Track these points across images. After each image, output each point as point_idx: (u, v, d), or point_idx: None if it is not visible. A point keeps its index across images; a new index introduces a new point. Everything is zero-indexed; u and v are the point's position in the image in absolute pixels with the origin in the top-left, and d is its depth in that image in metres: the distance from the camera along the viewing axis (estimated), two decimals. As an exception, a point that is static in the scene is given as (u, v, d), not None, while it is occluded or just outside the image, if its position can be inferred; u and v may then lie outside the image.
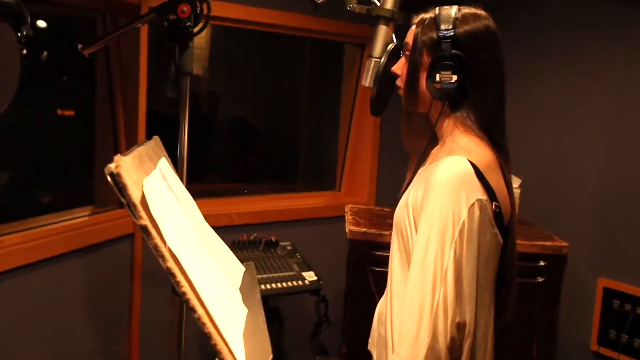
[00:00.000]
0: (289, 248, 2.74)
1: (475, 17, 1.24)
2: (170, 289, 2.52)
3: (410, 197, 1.23)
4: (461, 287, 1.12)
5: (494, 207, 1.17)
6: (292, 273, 2.51)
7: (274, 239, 2.72)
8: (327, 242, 3.05)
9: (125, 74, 2.42)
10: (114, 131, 2.47)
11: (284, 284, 2.42)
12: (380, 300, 1.38)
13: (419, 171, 1.31)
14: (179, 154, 1.65)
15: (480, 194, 1.14)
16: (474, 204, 1.13)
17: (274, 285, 2.39)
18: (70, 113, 2.56)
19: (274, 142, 3.50)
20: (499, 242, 1.21)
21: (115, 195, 2.45)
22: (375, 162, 3.30)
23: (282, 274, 2.48)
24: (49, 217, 2.24)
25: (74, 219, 2.32)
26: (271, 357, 1.02)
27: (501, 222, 1.21)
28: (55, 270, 2.11)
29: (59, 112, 2.52)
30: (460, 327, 1.11)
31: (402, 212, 1.26)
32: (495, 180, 1.21)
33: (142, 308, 2.46)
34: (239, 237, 2.66)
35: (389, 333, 1.27)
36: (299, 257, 2.67)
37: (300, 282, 2.45)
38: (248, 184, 3.34)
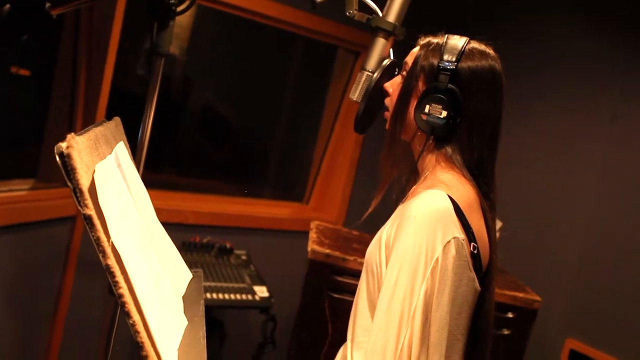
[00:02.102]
0: (244, 257, 2.73)
1: (483, 54, 1.25)
2: (106, 286, 2.49)
3: (383, 233, 1.22)
4: (428, 331, 1.10)
5: (471, 247, 1.17)
6: (242, 285, 2.50)
7: (228, 245, 2.70)
8: (285, 257, 3.04)
9: (94, 42, 2.39)
10: (71, 101, 2.43)
11: (232, 296, 2.40)
12: (341, 348, 1.36)
13: (397, 208, 1.30)
14: (139, 138, 1.63)
15: (458, 232, 1.14)
16: (449, 241, 1.12)
17: (220, 296, 2.37)
18: (25, 72, 2.51)
19: (245, 139, 3.49)
20: (475, 288, 1.19)
21: (61, 172, 2.44)
22: (350, 180, 3.31)
23: (231, 284, 2.47)
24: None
25: (10, 190, 2.27)
26: (205, 377, 1.01)
27: (479, 267, 1.20)
28: (-20, 244, 2.06)
29: (13, 69, 2.46)
30: None
31: (373, 249, 1.25)
32: (476, 220, 1.21)
33: (70, 301, 2.41)
34: (190, 238, 2.64)
35: None
36: (253, 268, 2.66)
37: (250, 297, 2.44)
38: (209, 181, 3.32)
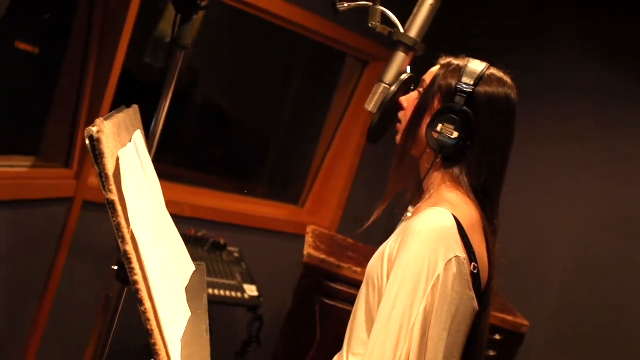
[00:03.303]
0: (236, 255, 2.75)
1: (500, 82, 1.28)
2: (98, 268, 2.50)
3: (387, 248, 1.25)
4: (425, 347, 1.12)
5: (472, 267, 1.20)
6: (232, 282, 2.52)
7: (222, 241, 2.72)
8: (277, 259, 3.07)
9: (109, 25, 2.40)
10: (79, 83, 2.44)
11: (221, 292, 2.42)
12: (336, 357, 1.38)
13: (402, 222, 1.33)
14: (152, 128, 1.65)
15: (460, 251, 1.17)
16: (451, 259, 1.15)
17: (210, 291, 2.39)
18: (34, 49, 2.52)
19: (245, 137, 3.51)
20: (474, 307, 1.22)
21: (63, 152, 2.45)
22: (347, 188, 3.35)
23: (221, 281, 2.49)
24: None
25: (10, 166, 2.28)
26: (209, 370, 1.04)
27: (478, 287, 1.23)
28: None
29: (22, 45, 2.47)
30: None
31: (376, 263, 1.27)
32: (478, 241, 1.24)
33: (61, 282, 2.42)
34: (185, 231, 2.65)
35: None
36: (244, 266, 2.68)
37: (239, 294, 2.46)
38: (208, 175, 3.33)
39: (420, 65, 1.49)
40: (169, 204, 2.76)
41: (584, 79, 2.81)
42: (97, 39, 2.42)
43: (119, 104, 1.37)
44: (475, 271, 1.21)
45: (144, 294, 0.98)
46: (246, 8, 2.77)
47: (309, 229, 2.57)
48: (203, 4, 1.64)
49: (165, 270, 1.14)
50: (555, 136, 2.90)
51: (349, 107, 3.36)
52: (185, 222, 2.73)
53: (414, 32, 1.54)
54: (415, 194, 1.40)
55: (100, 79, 2.42)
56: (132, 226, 0.99)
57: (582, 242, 2.73)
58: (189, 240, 2.66)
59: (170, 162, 3.16)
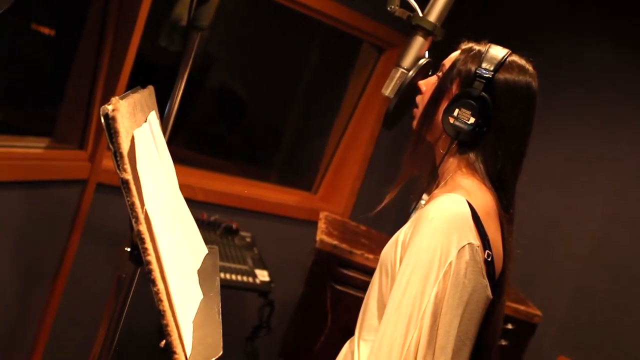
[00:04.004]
0: (248, 239, 2.75)
1: (522, 69, 1.26)
2: (111, 250, 2.51)
3: (401, 234, 1.24)
4: (436, 334, 1.11)
5: (485, 255, 1.18)
6: (244, 267, 2.52)
7: (234, 226, 2.72)
8: (289, 244, 3.06)
9: (126, 7, 2.39)
10: (94, 65, 2.44)
11: (233, 277, 2.42)
12: (347, 343, 1.37)
13: (417, 210, 1.32)
14: (166, 110, 1.64)
15: (473, 238, 1.15)
16: (464, 246, 1.13)
17: (221, 275, 2.39)
18: (50, 31, 2.52)
19: (259, 122, 3.50)
20: (487, 295, 1.20)
21: (77, 134, 2.46)
22: (361, 175, 3.33)
23: (233, 265, 2.49)
24: (-2, 138, 2.20)
25: (25, 147, 2.28)
26: (221, 352, 1.03)
27: (492, 275, 1.22)
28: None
29: (37, 27, 2.47)
30: None
31: (389, 250, 1.26)
32: (492, 229, 1.22)
33: (73, 263, 2.43)
34: (198, 215, 2.66)
35: None
36: (256, 251, 2.68)
37: (251, 279, 2.46)
38: (221, 159, 3.33)
39: (439, 51, 1.47)
40: (182, 188, 2.76)
41: (609, 72, 2.76)
42: (114, 22, 2.41)
43: (133, 87, 1.36)
44: (489, 259, 1.20)
45: (156, 274, 0.97)
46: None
47: (322, 215, 2.56)
48: (220, -15, 1.63)
49: (178, 252, 1.13)
50: (574, 128, 2.87)
51: (364, 95, 3.33)
52: (198, 206, 2.73)
53: (433, 17, 1.52)
54: (430, 181, 1.38)
55: (115, 62, 2.41)
56: (146, 206, 0.98)
57: (598, 234, 2.71)
58: (201, 224, 2.65)
59: (183, 146, 3.16)
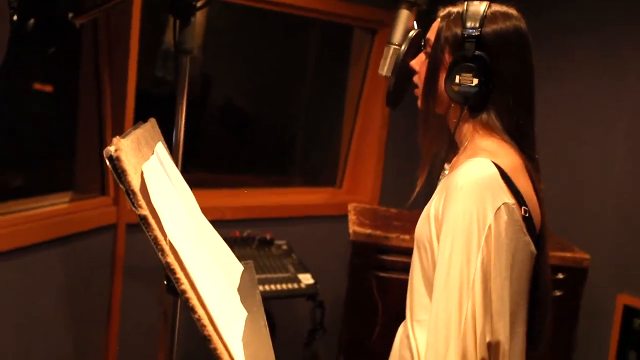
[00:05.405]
0: (284, 247, 2.75)
1: (506, 16, 1.24)
2: (155, 286, 2.53)
3: (431, 208, 1.22)
4: (490, 300, 1.09)
5: (522, 211, 1.16)
6: (286, 274, 2.51)
7: (268, 237, 2.72)
8: (325, 243, 3.05)
9: (114, 49, 2.41)
10: (98, 111, 2.46)
11: (278, 286, 2.42)
12: (400, 327, 1.36)
13: (440, 181, 1.30)
14: (174, 138, 1.64)
15: (507, 197, 1.13)
16: (500, 207, 1.11)
17: (266, 287, 2.39)
18: (48, 88, 2.54)
19: (270, 130, 3.50)
20: (532, 251, 1.18)
21: (97, 181, 2.48)
22: (381, 158, 3.30)
23: (276, 275, 2.49)
24: (22, 202, 2.23)
25: (51, 205, 2.31)
26: (275, 364, 1.02)
27: (532, 230, 1.19)
28: (28, 261, 2.10)
29: (37, 86, 2.50)
30: (492, 346, 1.09)
31: (423, 225, 1.24)
32: (523, 184, 1.20)
33: (122, 306, 2.46)
34: (230, 234, 2.66)
35: (415, 358, 1.23)
36: (295, 257, 2.68)
37: (296, 285, 2.46)
38: (240, 175, 3.33)
39: (429, 22, 1.44)
40: (209, 211, 2.76)
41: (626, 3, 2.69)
42: (107, 65, 2.43)
43: (142, 122, 1.36)
44: (527, 215, 1.17)
45: (194, 301, 0.96)
46: (244, 1, 2.74)
47: (350, 206, 2.54)
48: (199, 4, 1.62)
49: (212, 275, 1.13)
50: (584, 66, 2.80)
51: (366, 79, 3.31)
52: (229, 225, 2.73)
53: (413, -13, 1.49)
54: (449, 151, 1.36)
55: (117, 101, 2.43)
56: (169, 237, 0.98)
57: (626, 165, 2.64)
58: (235, 242, 2.67)
59: (201, 170, 3.17)
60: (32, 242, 2.10)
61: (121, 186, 0.94)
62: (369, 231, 2.19)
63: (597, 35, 2.76)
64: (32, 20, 1.38)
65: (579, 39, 2.82)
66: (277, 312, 2.70)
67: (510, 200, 1.14)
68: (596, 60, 2.77)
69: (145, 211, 0.94)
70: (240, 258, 2.52)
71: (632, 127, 2.64)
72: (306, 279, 2.51)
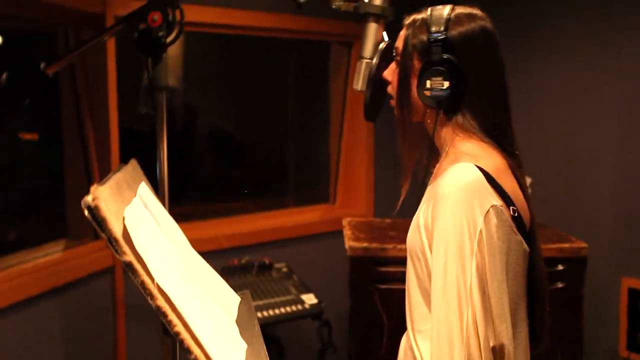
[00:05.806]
0: (284, 269, 2.73)
1: (470, 17, 1.24)
2: (159, 325, 2.51)
3: (420, 217, 1.22)
4: (489, 304, 1.09)
5: (511, 211, 1.16)
6: (289, 297, 2.50)
7: (267, 261, 2.71)
8: (325, 260, 3.03)
9: (93, 91, 2.41)
10: (84, 155, 2.45)
11: (282, 310, 2.41)
12: (403, 338, 1.35)
13: (427, 189, 1.29)
14: (158, 175, 1.63)
15: (494, 200, 1.13)
16: (488, 210, 1.11)
17: (270, 312, 2.38)
18: (33, 137, 2.54)
19: (258, 153, 3.49)
20: (524, 249, 1.19)
21: (90, 225, 2.46)
22: (371, 170, 3.30)
23: (278, 299, 2.47)
24: (17, 256, 2.21)
25: (46, 255, 2.29)
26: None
27: (522, 228, 1.19)
28: (28, 315, 2.07)
29: (24, 136, 2.49)
30: (496, 350, 1.09)
31: (413, 235, 1.24)
32: (509, 183, 1.20)
33: (128, 348, 2.43)
34: (229, 262, 2.64)
35: None
36: (296, 278, 2.66)
37: (300, 306, 2.44)
38: (233, 202, 3.32)
39: (398, 32, 1.45)
40: (205, 242, 2.76)
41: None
42: (88, 109, 2.43)
43: (128, 161, 1.36)
44: (516, 214, 1.18)
45: (189, 342, 0.95)
46: (214, 30, 2.75)
47: (345, 221, 2.53)
48: (168, 40, 1.62)
49: (206, 312, 1.11)
50: (563, 55, 2.80)
51: (347, 92, 3.32)
52: (226, 254, 2.72)
53: (378, -1, 1.50)
54: (431, 157, 1.36)
55: (101, 143, 2.43)
56: (157, 280, 0.97)
57: (618, 151, 2.64)
58: (235, 270, 2.65)
59: (193, 202, 3.16)
60: (31, 295, 2.08)
61: (102, 235, 0.93)
62: (365, 245, 2.18)
63: (586, 20, 2.74)
64: (4, 75, 1.38)
65: (551, 28, 2.83)
66: (284, 336, 2.68)
67: (497, 202, 1.14)
68: (588, 48, 2.75)
69: (129, 257, 0.93)
70: (242, 285, 2.51)
71: (617, 111, 2.65)
72: (309, 299, 2.50)
